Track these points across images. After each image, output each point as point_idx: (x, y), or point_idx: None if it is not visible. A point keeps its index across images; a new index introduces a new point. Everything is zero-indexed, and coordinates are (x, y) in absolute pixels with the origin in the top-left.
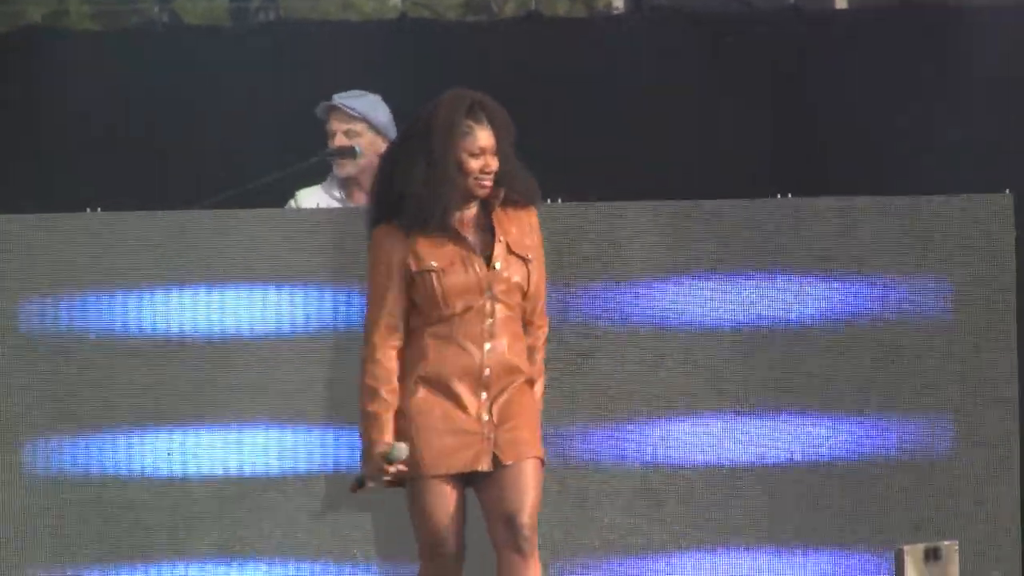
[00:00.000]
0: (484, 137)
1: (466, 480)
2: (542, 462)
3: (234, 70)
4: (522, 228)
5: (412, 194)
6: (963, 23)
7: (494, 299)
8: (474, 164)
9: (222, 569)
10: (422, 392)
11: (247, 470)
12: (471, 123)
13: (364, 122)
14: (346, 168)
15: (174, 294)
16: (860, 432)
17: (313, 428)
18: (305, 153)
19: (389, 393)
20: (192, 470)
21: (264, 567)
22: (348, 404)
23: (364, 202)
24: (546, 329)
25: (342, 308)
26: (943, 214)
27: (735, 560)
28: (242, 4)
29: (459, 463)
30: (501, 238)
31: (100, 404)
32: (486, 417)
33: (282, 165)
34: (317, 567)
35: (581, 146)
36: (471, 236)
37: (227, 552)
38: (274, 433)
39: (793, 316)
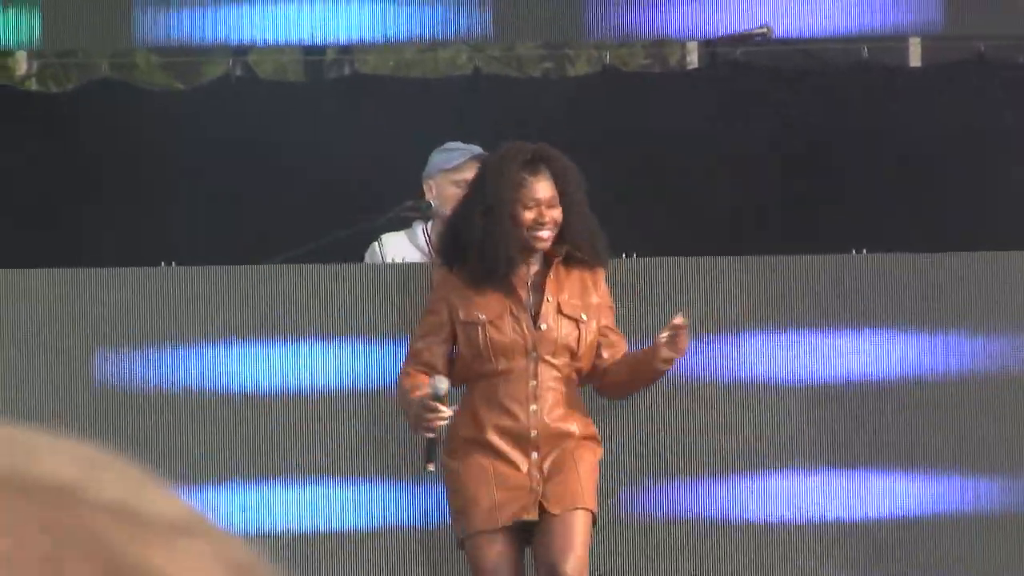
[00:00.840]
0: (541, 189)
1: (525, 536)
2: (593, 515)
3: (308, 124)
4: (582, 287)
5: (472, 245)
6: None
7: (538, 360)
8: (528, 216)
9: None
10: (470, 452)
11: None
12: (526, 175)
13: None
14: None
15: (248, 348)
16: (949, 489)
17: (376, 481)
18: (378, 208)
19: (419, 382)
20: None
21: None
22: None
23: None
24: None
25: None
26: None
27: None
28: (316, 58)
29: (507, 515)
30: (550, 297)
31: (177, 457)
32: (536, 474)
33: (354, 220)
34: None
35: (652, 201)
36: (526, 292)
37: None
38: (342, 487)
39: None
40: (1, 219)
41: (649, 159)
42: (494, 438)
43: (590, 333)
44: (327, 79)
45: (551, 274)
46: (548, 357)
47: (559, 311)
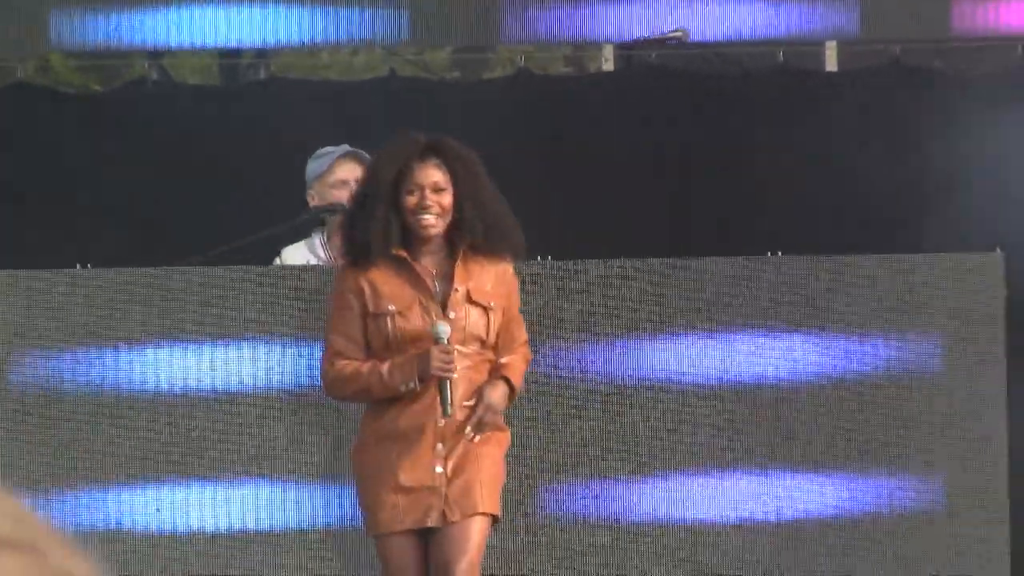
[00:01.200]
0: (425, 175)
1: (426, 532)
2: (493, 518)
3: (224, 128)
4: (489, 277)
5: (360, 230)
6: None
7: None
8: (411, 200)
9: None
10: (375, 448)
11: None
12: (413, 161)
13: None
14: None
15: (162, 350)
16: (852, 488)
17: (303, 484)
18: (292, 211)
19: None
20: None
21: None
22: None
23: None
24: (526, 353)
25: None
26: (935, 273)
27: None
28: (232, 62)
29: (410, 520)
30: (459, 287)
31: (87, 460)
32: (439, 469)
33: (271, 222)
34: None
35: (567, 205)
36: (433, 282)
37: None
38: (262, 488)
39: (784, 374)
40: None
41: (565, 163)
42: (401, 429)
43: (498, 319)
44: (243, 82)
45: (459, 263)
46: (457, 345)
47: (468, 299)
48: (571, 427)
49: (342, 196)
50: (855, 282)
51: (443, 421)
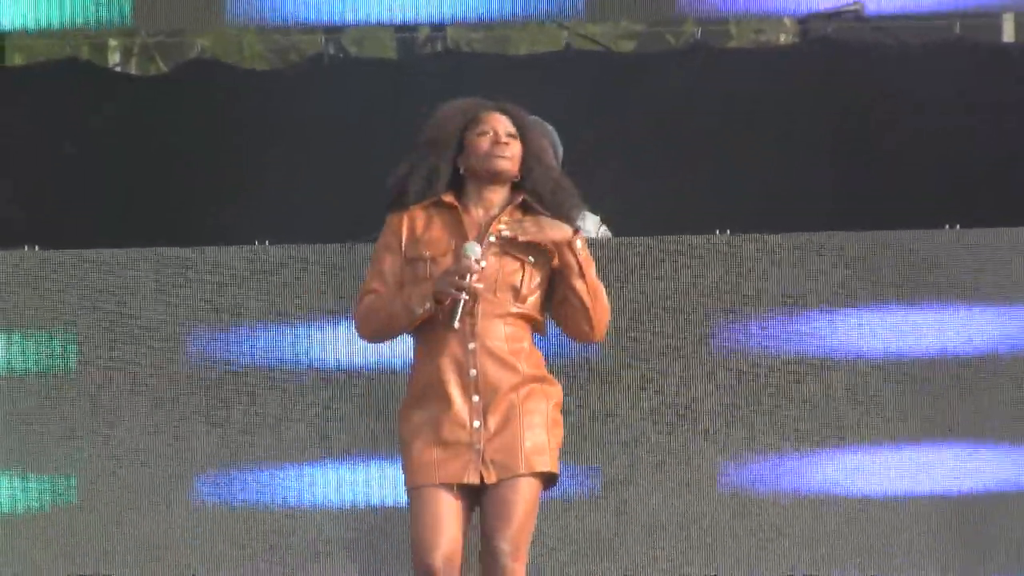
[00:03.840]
0: (497, 120)
1: (471, 491)
2: (547, 477)
3: (400, 102)
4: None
5: (411, 177)
6: None
7: (478, 297)
8: (483, 141)
9: None
10: (416, 406)
11: None
12: (483, 112)
13: (547, 141)
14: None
15: (339, 326)
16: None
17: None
18: None
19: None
20: None
21: None
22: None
23: None
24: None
25: None
26: None
27: None
28: (409, 35)
29: (446, 474)
30: (494, 236)
31: (264, 437)
32: (476, 424)
33: None
34: None
35: (743, 177)
36: (476, 232)
37: None
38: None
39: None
40: (105, 199)
41: (741, 134)
42: (435, 381)
43: (536, 275)
44: (419, 56)
45: (504, 216)
46: (488, 295)
47: (504, 251)
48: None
49: None
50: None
51: (474, 371)
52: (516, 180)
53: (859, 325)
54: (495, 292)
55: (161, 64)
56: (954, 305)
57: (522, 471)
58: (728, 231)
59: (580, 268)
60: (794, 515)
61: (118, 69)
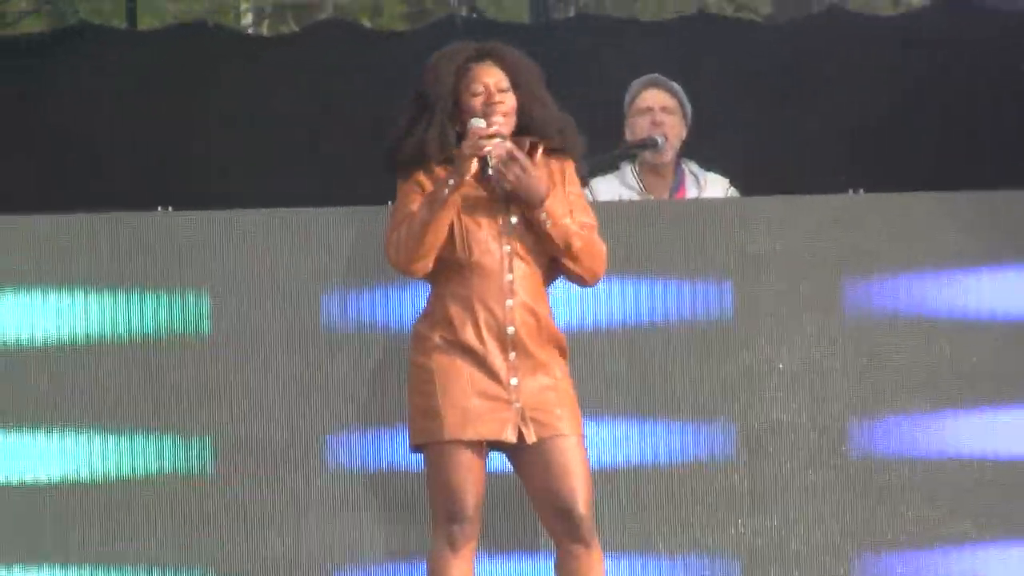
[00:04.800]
0: (487, 74)
1: (491, 444)
2: (581, 439)
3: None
4: (551, 179)
5: (417, 138)
6: None
7: (513, 254)
8: (476, 102)
9: None
10: (447, 352)
11: None
12: (470, 64)
13: (679, 103)
14: (657, 157)
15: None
16: None
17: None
18: (607, 145)
19: None
20: None
21: None
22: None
23: (662, 194)
24: (592, 235)
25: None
26: None
27: None
28: None
29: (484, 430)
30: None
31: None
32: (514, 381)
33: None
34: None
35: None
36: (503, 189)
37: None
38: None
39: None
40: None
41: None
42: (469, 336)
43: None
44: (552, 19)
45: (535, 163)
46: (521, 252)
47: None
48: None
49: (644, 124)
50: None
51: (511, 328)
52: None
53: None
54: (530, 253)
55: (293, 24)
56: None
57: (567, 431)
58: (860, 190)
59: (546, 233)
60: (922, 476)
61: (250, 31)
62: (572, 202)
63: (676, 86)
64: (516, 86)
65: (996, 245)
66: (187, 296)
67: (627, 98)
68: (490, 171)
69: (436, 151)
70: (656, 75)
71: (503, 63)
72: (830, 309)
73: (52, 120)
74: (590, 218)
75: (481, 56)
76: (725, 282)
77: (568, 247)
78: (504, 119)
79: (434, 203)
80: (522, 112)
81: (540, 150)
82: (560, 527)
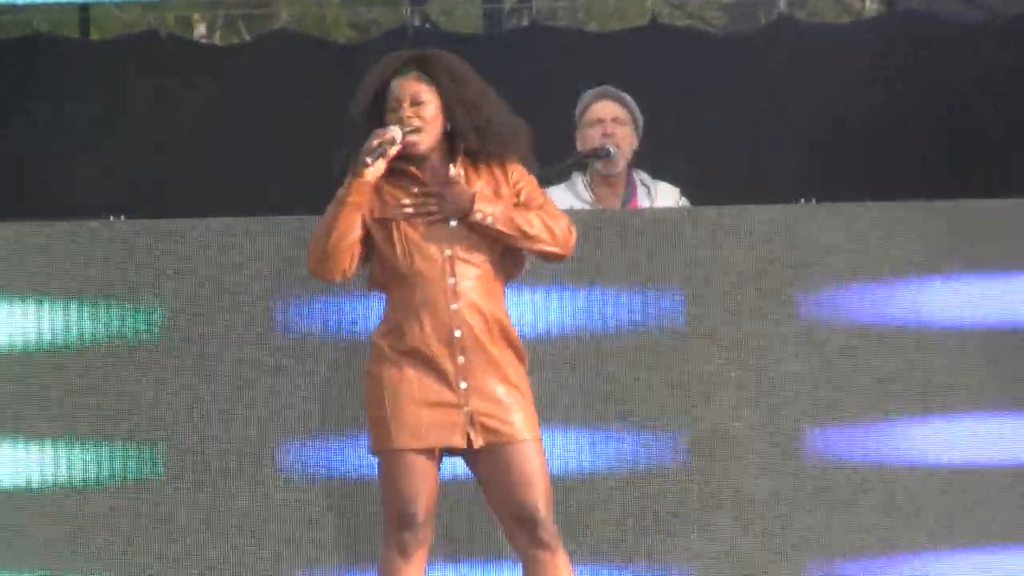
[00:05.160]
0: (403, 89)
1: (446, 450)
2: (537, 441)
3: (487, 75)
4: (493, 180)
5: (352, 149)
6: None
7: (454, 257)
8: (392, 117)
9: None
10: (396, 360)
11: None
12: (394, 78)
13: (630, 114)
14: (609, 167)
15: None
16: None
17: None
18: (557, 155)
19: None
20: None
21: None
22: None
23: (613, 204)
24: (562, 227)
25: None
26: None
27: (994, 562)
28: (495, 7)
29: (433, 438)
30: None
31: None
32: (464, 385)
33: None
34: None
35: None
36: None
37: None
38: None
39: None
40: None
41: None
42: (417, 343)
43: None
44: (505, 30)
45: (458, 170)
46: (463, 254)
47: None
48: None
49: (595, 135)
50: None
51: (459, 331)
52: (448, 131)
53: (941, 295)
54: (470, 251)
55: (245, 34)
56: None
57: (520, 436)
58: (813, 200)
59: (496, 231)
60: (878, 484)
61: (204, 40)
62: (522, 190)
63: (627, 97)
64: (440, 93)
65: (946, 255)
66: (139, 304)
67: (578, 109)
68: (368, 159)
69: (360, 168)
70: (607, 86)
71: (427, 69)
72: (782, 317)
73: (4, 124)
74: (544, 198)
75: (407, 66)
76: (676, 291)
77: (523, 233)
78: (419, 130)
79: (340, 200)
80: (448, 116)
81: (456, 164)
82: (522, 535)
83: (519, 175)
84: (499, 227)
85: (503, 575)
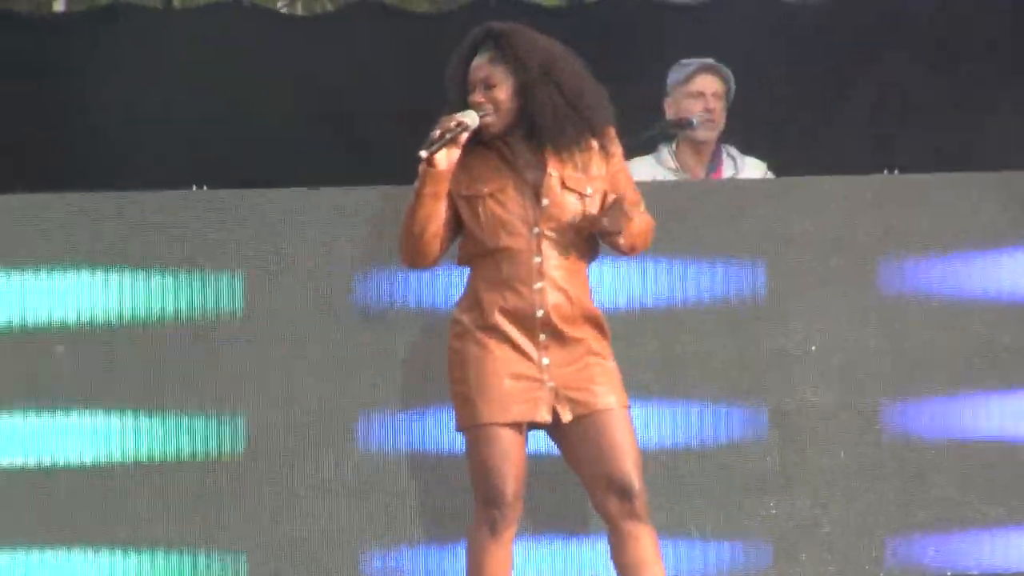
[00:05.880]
0: (476, 72)
1: (532, 425)
2: (626, 409)
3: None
4: (583, 158)
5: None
6: None
7: (541, 236)
8: (469, 100)
9: None
10: (478, 336)
11: None
12: (472, 57)
13: (727, 88)
14: (700, 132)
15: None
16: None
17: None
18: (638, 126)
19: None
20: None
21: None
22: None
23: (698, 174)
24: (648, 218)
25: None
26: None
27: None
28: None
29: (517, 412)
30: (552, 171)
31: None
32: (546, 361)
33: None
34: None
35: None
36: (531, 172)
37: None
38: None
39: None
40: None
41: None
42: (499, 319)
43: (594, 206)
44: (586, 2)
45: (548, 149)
46: (550, 233)
47: (563, 185)
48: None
49: (695, 108)
50: None
51: (541, 311)
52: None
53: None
54: (558, 231)
55: (326, 4)
56: None
57: (600, 406)
58: (895, 170)
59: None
60: (955, 460)
61: (285, 10)
62: (619, 180)
63: (728, 72)
64: (515, 72)
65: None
66: (221, 276)
67: (675, 77)
68: (424, 152)
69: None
70: (710, 60)
71: (500, 49)
72: (864, 290)
73: (88, 98)
74: (636, 194)
75: (484, 43)
76: (759, 262)
77: (632, 247)
78: (491, 117)
79: (412, 197)
80: (523, 93)
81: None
82: (615, 506)
83: (618, 163)
84: (621, 241)
85: (588, 550)
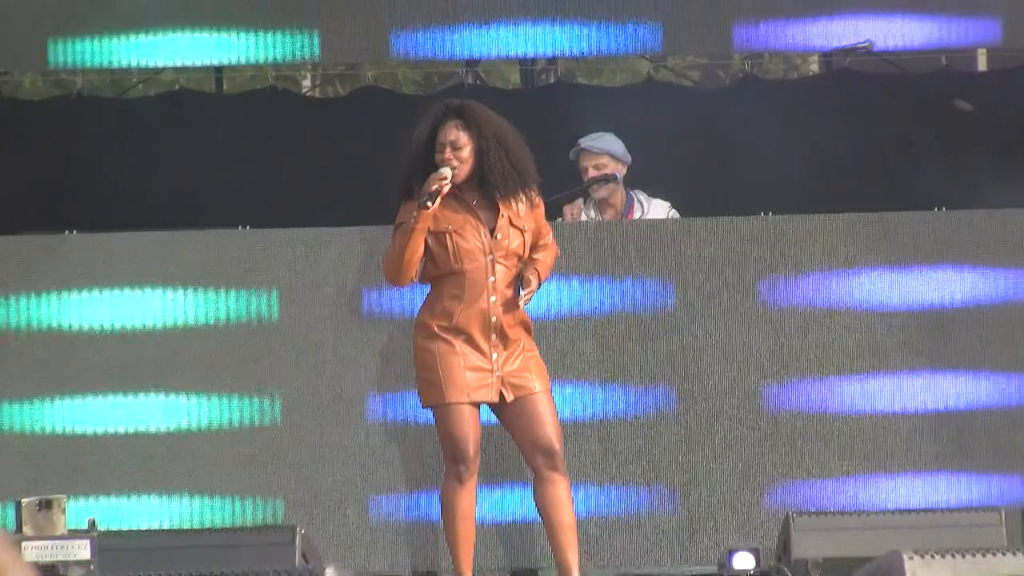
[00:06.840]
0: (445, 134)
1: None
2: (549, 392)
3: (524, 122)
4: (521, 206)
5: (414, 178)
6: None
7: (495, 261)
8: (437, 157)
9: None
10: (444, 337)
11: None
12: (438, 125)
13: (607, 155)
14: (600, 192)
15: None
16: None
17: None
18: (564, 187)
19: None
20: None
21: None
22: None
23: (615, 218)
24: (554, 249)
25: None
26: None
27: (899, 484)
28: (530, 67)
29: (475, 395)
30: (504, 214)
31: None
32: (495, 355)
33: (552, 193)
34: None
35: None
36: (482, 212)
37: None
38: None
39: None
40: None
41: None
42: (463, 324)
43: (530, 240)
44: (537, 86)
45: (499, 197)
46: (501, 259)
47: (511, 223)
48: None
49: (587, 174)
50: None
51: (494, 317)
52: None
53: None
54: (506, 257)
55: (340, 89)
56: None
57: (536, 388)
58: (771, 213)
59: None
60: (817, 426)
61: (308, 93)
62: (540, 221)
63: (599, 145)
64: (475, 137)
65: (871, 253)
66: (261, 293)
67: (575, 149)
68: (429, 204)
69: (415, 188)
70: (581, 140)
71: (465, 119)
72: (748, 302)
73: (164, 160)
74: (547, 228)
75: (449, 115)
76: (668, 281)
77: (543, 275)
78: (457, 169)
79: (405, 232)
80: (482, 156)
81: (498, 198)
82: (541, 461)
83: (540, 211)
84: (543, 278)
85: (525, 494)
